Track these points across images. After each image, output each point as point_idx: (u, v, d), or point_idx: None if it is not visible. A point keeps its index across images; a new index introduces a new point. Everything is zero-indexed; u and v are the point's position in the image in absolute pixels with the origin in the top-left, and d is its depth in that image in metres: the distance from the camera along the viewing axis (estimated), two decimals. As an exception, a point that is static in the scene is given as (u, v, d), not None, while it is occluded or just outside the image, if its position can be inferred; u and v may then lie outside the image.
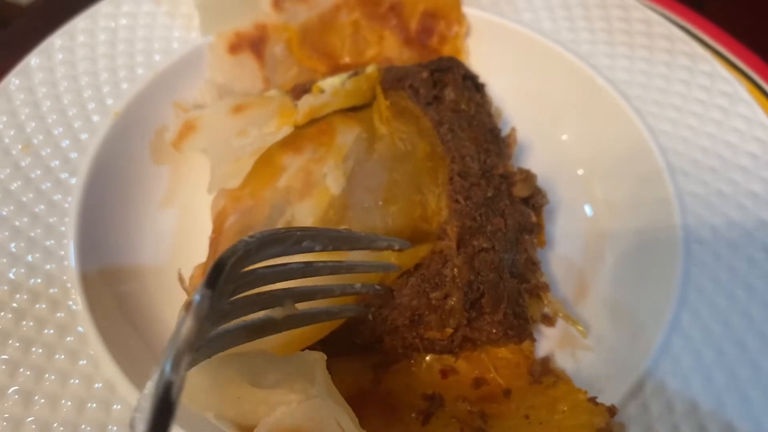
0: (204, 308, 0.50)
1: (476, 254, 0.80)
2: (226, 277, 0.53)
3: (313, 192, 0.83)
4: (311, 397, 0.62)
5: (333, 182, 0.83)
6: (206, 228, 0.89)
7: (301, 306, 0.66)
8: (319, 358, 0.67)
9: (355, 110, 0.93)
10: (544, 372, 0.82)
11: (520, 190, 0.87)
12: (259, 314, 0.62)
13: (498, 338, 0.79)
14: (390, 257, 0.77)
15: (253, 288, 0.60)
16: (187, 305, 0.51)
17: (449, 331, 0.78)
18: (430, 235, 0.81)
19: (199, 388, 0.60)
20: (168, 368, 0.46)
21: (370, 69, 0.95)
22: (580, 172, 1.03)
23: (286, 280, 0.64)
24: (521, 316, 0.80)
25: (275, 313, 0.63)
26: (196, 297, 0.50)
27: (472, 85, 0.96)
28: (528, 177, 0.89)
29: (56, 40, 1.05)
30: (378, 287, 0.77)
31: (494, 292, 0.78)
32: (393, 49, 1.11)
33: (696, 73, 1.03)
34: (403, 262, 0.78)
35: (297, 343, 0.71)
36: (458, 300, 0.77)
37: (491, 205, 0.84)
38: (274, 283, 0.63)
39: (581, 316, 0.89)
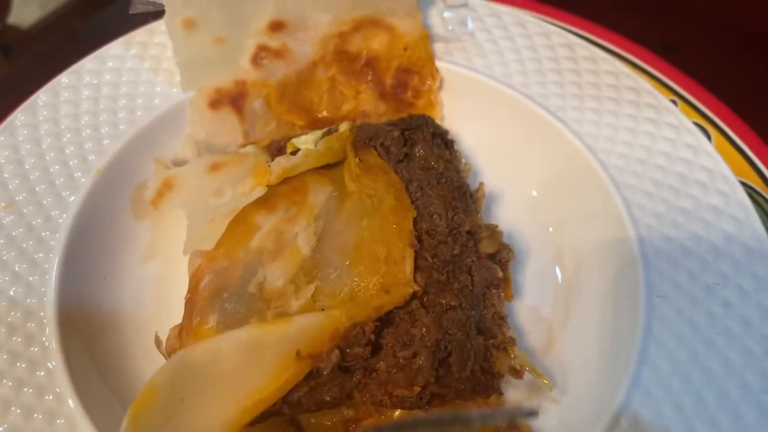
0: None
1: (444, 313, 0.82)
2: None
3: (284, 252, 0.85)
4: None
5: (304, 242, 0.86)
6: (185, 284, 0.91)
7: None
8: None
9: (328, 167, 0.96)
10: (510, 428, 0.84)
11: (486, 247, 0.90)
12: None
13: (466, 394, 0.81)
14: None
15: None
16: None
17: (417, 388, 0.80)
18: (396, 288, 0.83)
19: None
20: None
21: (343, 127, 0.98)
22: (550, 230, 1.06)
23: None
24: (488, 371, 0.82)
25: None
26: None
27: (442, 142, 0.99)
28: (494, 233, 0.91)
29: (41, 96, 1.08)
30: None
31: (461, 350, 0.81)
32: (369, 103, 1.14)
33: (661, 125, 1.06)
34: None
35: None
36: (426, 359, 0.79)
37: (458, 263, 0.87)
38: None
39: (548, 368, 0.92)
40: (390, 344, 0.81)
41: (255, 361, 0.73)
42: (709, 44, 1.45)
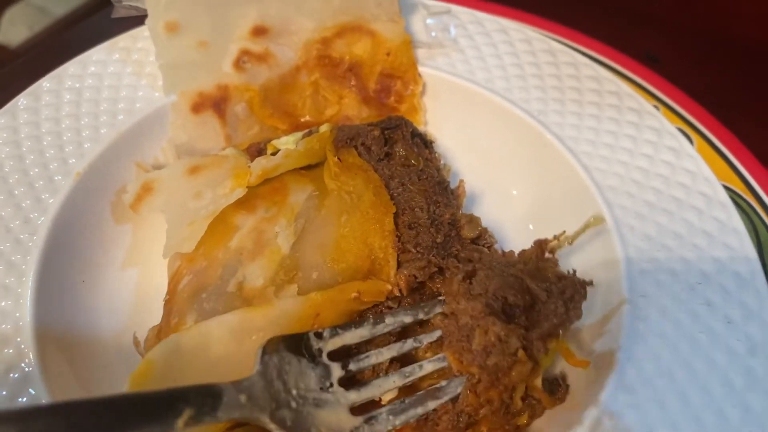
0: None
1: None
2: None
3: (264, 252, 0.84)
4: None
5: (284, 241, 0.85)
6: (165, 288, 0.90)
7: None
8: None
9: (309, 168, 0.96)
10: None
11: (468, 232, 0.90)
12: None
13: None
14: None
15: None
16: None
17: None
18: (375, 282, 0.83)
19: None
20: None
21: (324, 128, 0.98)
22: (531, 227, 1.06)
23: None
24: None
25: None
26: None
27: (421, 141, 1.00)
28: (473, 219, 0.91)
29: (21, 99, 1.07)
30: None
31: None
32: (352, 108, 1.14)
33: (643, 128, 1.07)
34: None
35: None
36: None
37: (442, 251, 0.86)
38: None
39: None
40: None
41: (243, 344, 0.73)
42: (691, 57, 1.47)
